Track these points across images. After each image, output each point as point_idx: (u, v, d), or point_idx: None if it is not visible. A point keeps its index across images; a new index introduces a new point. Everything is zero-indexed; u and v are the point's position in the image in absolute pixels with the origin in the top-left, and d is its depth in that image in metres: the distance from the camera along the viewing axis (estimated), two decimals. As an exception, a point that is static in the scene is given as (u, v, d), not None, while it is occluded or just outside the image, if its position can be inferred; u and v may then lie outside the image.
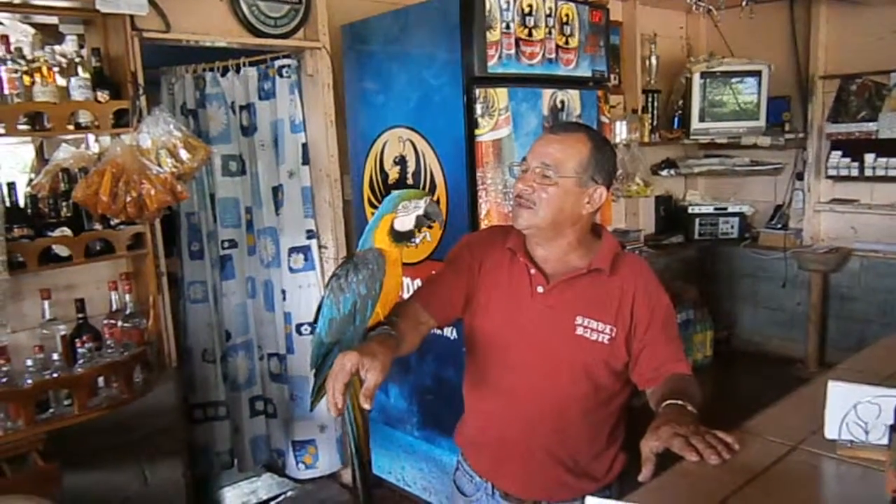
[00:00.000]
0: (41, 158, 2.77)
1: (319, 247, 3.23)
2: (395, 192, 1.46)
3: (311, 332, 3.15)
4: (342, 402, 1.21)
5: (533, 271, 1.52)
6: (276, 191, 3.19)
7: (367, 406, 1.21)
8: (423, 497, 3.06)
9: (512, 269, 1.56)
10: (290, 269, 3.20)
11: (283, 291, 3.23)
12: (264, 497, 3.37)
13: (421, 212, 1.41)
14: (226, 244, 3.22)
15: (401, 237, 1.42)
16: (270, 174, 3.19)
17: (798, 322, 4.69)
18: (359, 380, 1.25)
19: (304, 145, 3.13)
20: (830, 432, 1.22)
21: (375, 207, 2.96)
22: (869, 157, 4.20)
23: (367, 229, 1.45)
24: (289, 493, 3.36)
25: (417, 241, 1.46)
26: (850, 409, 1.20)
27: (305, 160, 3.14)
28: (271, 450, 3.37)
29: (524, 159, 1.51)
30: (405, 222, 1.41)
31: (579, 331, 1.48)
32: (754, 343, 5.00)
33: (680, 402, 1.31)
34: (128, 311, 2.49)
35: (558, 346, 1.49)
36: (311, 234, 3.19)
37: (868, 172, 4.22)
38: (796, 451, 1.22)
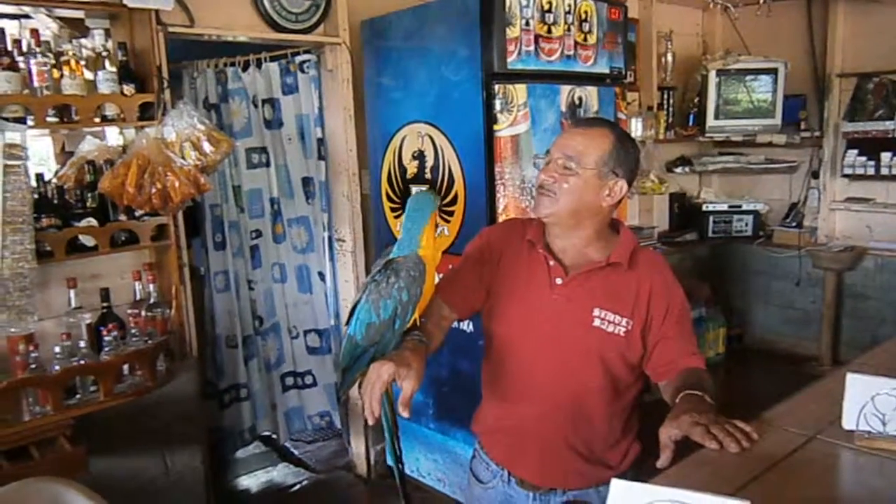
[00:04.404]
0: (63, 151, 2.83)
1: (336, 240, 3.29)
2: (431, 193, 1.48)
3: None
4: (378, 410, 1.25)
5: (552, 263, 1.54)
6: (307, 182, 3.30)
7: (405, 414, 1.25)
8: (438, 488, 3.09)
9: (530, 260, 1.58)
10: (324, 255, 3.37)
11: (320, 273, 3.38)
12: (280, 486, 3.41)
13: None
14: (253, 234, 3.33)
15: None
16: (300, 166, 3.29)
17: (812, 320, 4.69)
18: (389, 385, 1.30)
19: (320, 140, 3.19)
20: (848, 423, 1.24)
21: (393, 202, 3.00)
22: (885, 156, 4.20)
23: (411, 228, 1.45)
24: (304, 483, 3.41)
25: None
26: (868, 401, 1.22)
27: (321, 155, 3.19)
28: (306, 418, 3.52)
29: (548, 151, 1.54)
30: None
31: (596, 322, 1.51)
32: (767, 341, 4.99)
33: (698, 392, 1.33)
34: (151, 301, 2.54)
35: (575, 337, 1.52)
36: (324, 227, 3.27)
37: (884, 171, 4.22)
38: (814, 440, 1.24)
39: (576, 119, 1.55)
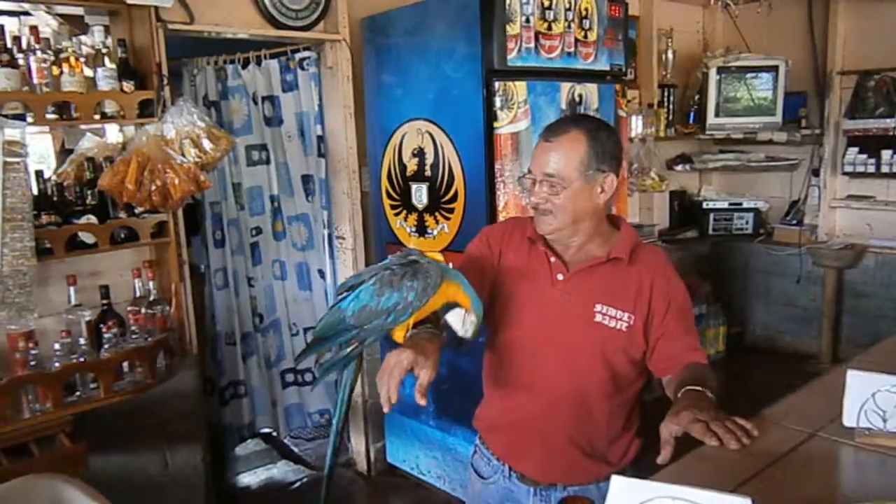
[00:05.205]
0: (63, 149, 2.82)
1: (336, 237, 3.29)
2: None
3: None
4: (397, 397, 1.25)
5: (553, 260, 1.55)
6: (307, 179, 3.29)
7: (423, 402, 1.26)
8: (438, 485, 3.10)
9: (531, 258, 1.59)
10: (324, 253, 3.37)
11: (320, 271, 3.37)
12: (281, 483, 3.42)
13: (460, 328, 1.41)
14: (253, 232, 3.33)
15: (444, 310, 1.42)
16: (300, 163, 3.29)
17: (812, 318, 4.69)
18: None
19: (320, 137, 3.18)
20: (849, 420, 1.24)
21: (393, 199, 3.00)
22: (886, 154, 4.19)
23: (464, 280, 1.43)
24: (304, 480, 3.41)
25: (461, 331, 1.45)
26: (869, 398, 1.22)
27: (321, 153, 3.19)
28: (306, 414, 3.54)
29: (529, 170, 1.54)
30: (455, 318, 1.41)
31: (598, 318, 1.51)
32: (767, 339, 5.00)
33: (699, 388, 1.33)
34: (151, 298, 2.54)
35: (577, 332, 1.52)
36: (324, 225, 3.27)
37: (885, 169, 4.21)
38: (815, 437, 1.24)
39: (545, 128, 1.54)
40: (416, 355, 1.27)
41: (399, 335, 1.43)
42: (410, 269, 1.40)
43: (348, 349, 1.47)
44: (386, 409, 1.27)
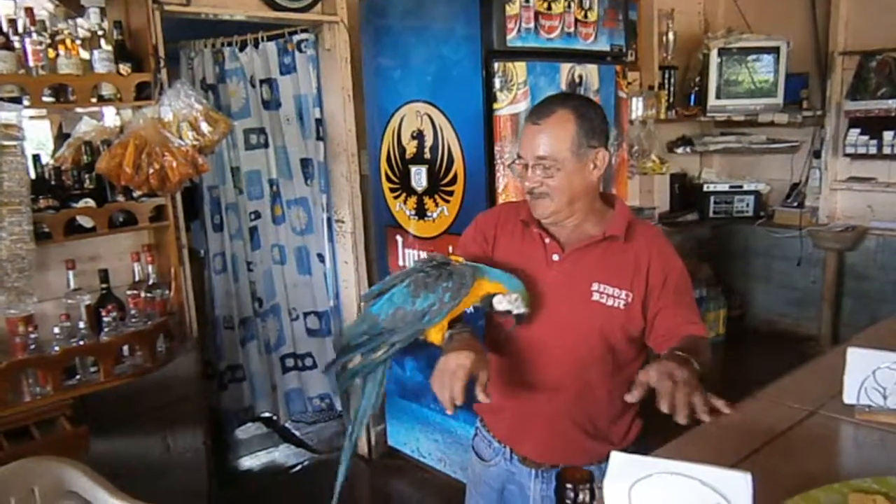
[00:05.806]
0: (60, 133, 2.81)
1: (335, 221, 3.28)
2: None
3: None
4: (462, 399, 1.28)
5: (548, 241, 1.55)
6: (306, 163, 3.27)
7: (487, 400, 1.31)
8: (438, 468, 3.11)
9: (526, 240, 1.58)
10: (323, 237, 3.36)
11: (319, 255, 3.36)
12: (282, 466, 3.43)
13: (512, 309, 1.44)
14: (251, 216, 3.31)
15: (484, 303, 1.45)
16: (298, 147, 3.27)
17: (812, 301, 4.68)
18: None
19: (319, 120, 3.17)
20: (849, 397, 1.24)
21: (392, 182, 2.99)
22: (887, 135, 4.15)
23: (489, 269, 1.46)
24: (306, 463, 3.43)
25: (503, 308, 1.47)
26: (869, 375, 1.22)
27: (319, 136, 3.18)
28: (306, 399, 3.54)
29: (519, 155, 1.52)
30: (501, 303, 1.45)
31: (595, 297, 1.51)
32: (768, 321, 4.99)
33: (686, 355, 1.31)
34: (150, 282, 2.53)
35: (575, 312, 1.52)
36: (323, 209, 3.26)
37: (886, 150, 4.17)
38: (815, 415, 1.25)
39: (531, 111, 1.53)
40: (476, 356, 1.31)
41: (436, 336, 1.43)
42: (445, 271, 1.41)
43: (374, 354, 1.47)
44: (450, 411, 1.30)
